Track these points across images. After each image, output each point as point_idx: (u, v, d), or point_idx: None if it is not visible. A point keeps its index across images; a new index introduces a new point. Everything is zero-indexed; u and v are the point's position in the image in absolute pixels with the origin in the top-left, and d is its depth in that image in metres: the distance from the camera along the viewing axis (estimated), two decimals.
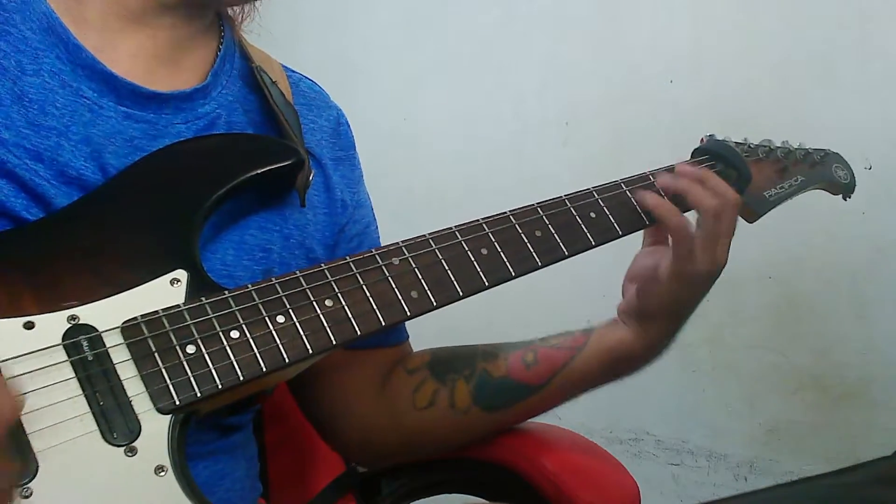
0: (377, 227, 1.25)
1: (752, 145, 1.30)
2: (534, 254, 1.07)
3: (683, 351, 2.32)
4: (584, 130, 2.41)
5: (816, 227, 2.13)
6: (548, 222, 1.09)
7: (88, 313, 0.86)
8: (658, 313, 1.13)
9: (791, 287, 2.20)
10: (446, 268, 1.02)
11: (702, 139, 1.28)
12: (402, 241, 1.02)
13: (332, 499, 1.34)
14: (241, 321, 0.90)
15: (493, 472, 1.26)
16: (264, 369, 0.89)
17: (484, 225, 1.06)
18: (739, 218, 1.28)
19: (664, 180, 1.16)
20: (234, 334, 0.89)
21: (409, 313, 0.98)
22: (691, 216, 1.14)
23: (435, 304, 1.00)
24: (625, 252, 1.23)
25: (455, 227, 1.05)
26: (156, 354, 0.85)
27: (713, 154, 1.25)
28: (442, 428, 1.19)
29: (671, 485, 2.37)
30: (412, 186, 2.59)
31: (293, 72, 1.21)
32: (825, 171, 1.36)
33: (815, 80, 2.13)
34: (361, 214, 1.21)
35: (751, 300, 2.25)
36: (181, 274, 0.91)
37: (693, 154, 1.27)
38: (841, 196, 1.39)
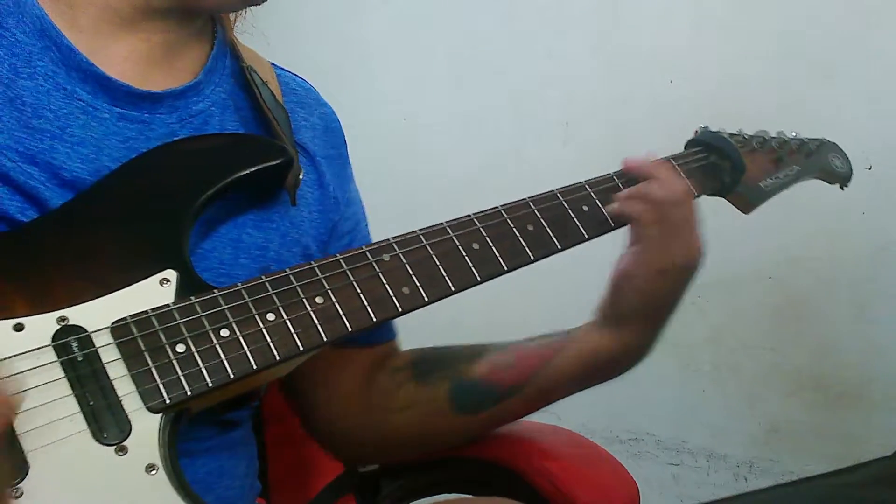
0: (367, 225, 1.25)
1: (746, 136, 1.29)
2: (526, 248, 1.06)
3: (683, 351, 2.32)
4: (584, 130, 2.41)
5: (816, 227, 2.13)
6: (539, 216, 1.09)
7: (78, 314, 0.86)
8: (631, 314, 1.10)
9: (791, 287, 2.20)
10: (437, 263, 1.01)
11: (695, 131, 1.28)
12: (393, 238, 1.01)
13: (331, 499, 1.34)
14: (231, 319, 0.89)
15: (492, 472, 1.26)
16: (255, 367, 0.89)
17: (475, 220, 1.06)
18: (739, 212, 1.28)
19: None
20: (224, 333, 0.89)
21: (400, 309, 0.98)
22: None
23: (427, 299, 0.99)
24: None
25: (446, 222, 1.04)
26: (145, 354, 0.85)
27: (706, 145, 1.25)
28: (418, 430, 1.17)
29: (671, 485, 2.37)
30: (412, 187, 2.58)
31: (283, 70, 1.21)
32: (821, 161, 1.35)
33: (815, 80, 2.12)
34: (352, 212, 1.21)
35: (751, 300, 2.25)
36: (171, 274, 0.91)
37: (686, 146, 1.27)
38: (838, 185, 1.38)
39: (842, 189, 1.38)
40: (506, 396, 1.14)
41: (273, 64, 1.19)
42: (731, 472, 2.30)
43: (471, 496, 1.25)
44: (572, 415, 2.08)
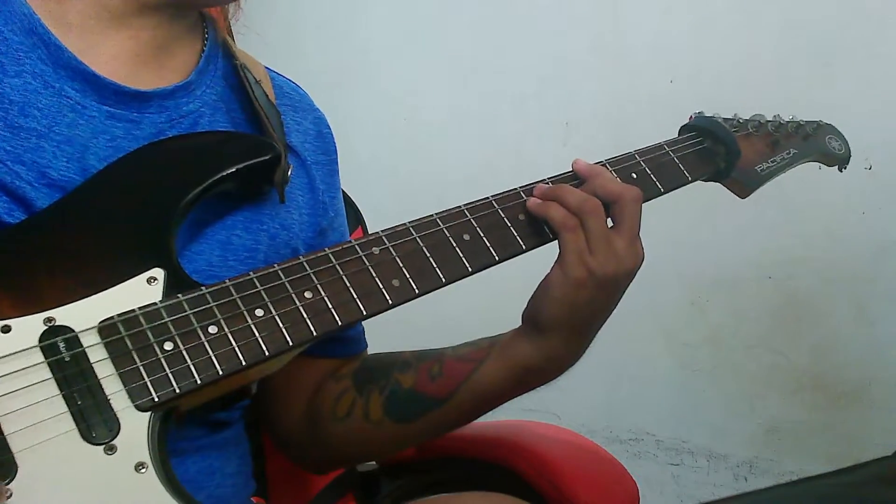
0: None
1: (741, 120, 1.27)
2: (518, 238, 1.05)
3: (683, 351, 2.32)
4: (584, 130, 2.42)
5: (816, 227, 2.13)
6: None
7: (65, 314, 0.85)
8: (553, 323, 1.04)
9: (791, 287, 2.20)
10: (428, 255, 1.00)
11: (690, 116, 1.26)
12: (382, 231, 1.00)
13: (331, 499, 1.34)
14: (219, 316, 0.89)
15: (492, 472, 1.26)
16: (244, 363, 0.88)
17: (466, 211, 1.04)
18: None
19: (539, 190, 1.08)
20: (213, 329, 0.88)
21: (390, 302, 0.97)
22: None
23: (417, 291, 0.98)
24: None
25: (436, 214, 1.04)
26: (133, 352, 0.85)
27: (701, 130, 1.23)
28: (358, 438, 1.15)
29: (671, 485, 2.37)
30: (412, 186, 2.59)
31: (277, 74, 1.20)
32: (818, 143, 1.34)
33: (815, 80, 2.12)
34: (339, 223, 1.21)
35: (751, 300, 2.25)
36: (158, 272, 0.90)
37: (680, 131, 1.25)
38: (837, 167, 1.36)
39: (840, 171, 1.37)
40: (436, 406, 1.10)
41: (267, 68, 1.19)
42: (731, 472, 2.30)
43: (469, 493, 1.25)
44: (572, 415, 2.08)
